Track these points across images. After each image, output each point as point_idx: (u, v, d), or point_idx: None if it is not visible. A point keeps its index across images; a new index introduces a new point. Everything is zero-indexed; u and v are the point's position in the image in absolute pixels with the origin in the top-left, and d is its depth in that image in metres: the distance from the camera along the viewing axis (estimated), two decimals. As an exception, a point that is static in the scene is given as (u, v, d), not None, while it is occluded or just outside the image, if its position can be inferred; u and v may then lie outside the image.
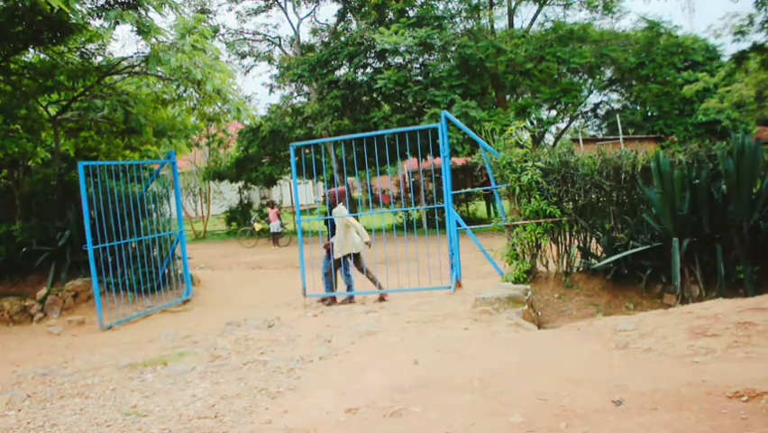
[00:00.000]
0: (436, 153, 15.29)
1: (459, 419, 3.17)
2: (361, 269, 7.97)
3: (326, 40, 21.68)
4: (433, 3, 18.91)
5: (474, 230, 8.74)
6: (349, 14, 21.14)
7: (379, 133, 10.02)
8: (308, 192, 28.89)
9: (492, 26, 18.81)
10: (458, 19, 19.10)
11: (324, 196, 8.18)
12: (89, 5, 7.83)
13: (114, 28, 7.62)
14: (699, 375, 3.32)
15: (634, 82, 21.55)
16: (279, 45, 23.74)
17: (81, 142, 11.22)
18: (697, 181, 6.40)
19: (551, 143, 22.31)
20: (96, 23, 8.30)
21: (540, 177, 7.16)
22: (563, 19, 20.07)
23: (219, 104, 8.96)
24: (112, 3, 7.78)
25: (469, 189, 19.93)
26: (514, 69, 17.88)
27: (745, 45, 14.20)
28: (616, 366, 3.73)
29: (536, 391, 3.41)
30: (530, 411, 3.16)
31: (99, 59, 9.67)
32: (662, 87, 20.79)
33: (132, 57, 9.31)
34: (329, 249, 8.02)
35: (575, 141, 22.35)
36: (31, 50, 9.36)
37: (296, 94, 23.19)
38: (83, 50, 9.41)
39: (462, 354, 4.43)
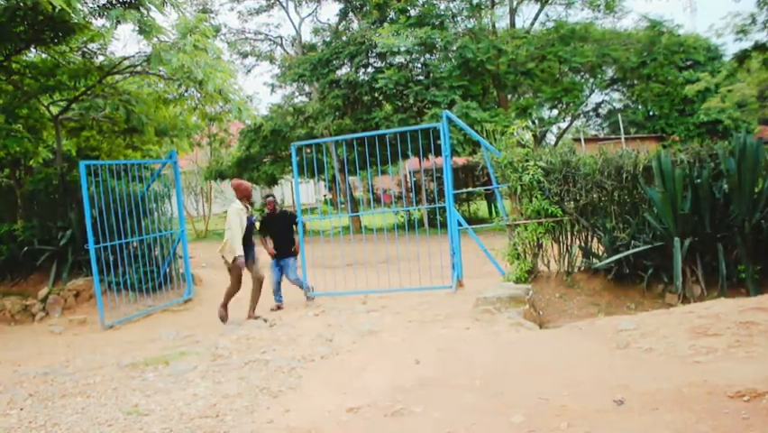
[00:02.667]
0: (437, 153, 15.28)
1: (460, 419, 3.17)
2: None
3: (328, 39, 21.65)
4: (434, 2, 18.89)
5: (476, 229, 8.73)
6: (350, 14, 21.12)
7: (380, 132, 10.00)
8: (310, 192, 28.95)
9: (494, 26, 18.79)
10: (459, 18, 19.09)
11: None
12: (91, 5, 7.85)
13: (115, 27, 7.62)
14: (700, 375, 3.32)
15: (635, 81, 21.54)
16: (281, 45, 23.73)
17: (83, 141, 11.23)
18: (698, 181, 6.39)
19: (552, 143, 22.29)
20: (97, 22, 8.31)
21: (541, 176, 7.14)
22: (565, 18, 20.08)
23: (221, 103, 8.98)
24: (113, 2, 7.79)
25: (470, 189, 19.93)
26: (515, 69, 17.87)
27: (747, 44, 14.22)
28: (617, 366, 3.72)
29: (537, 391, 3.41)
30: (531, 411, 3.16)
31: (101, 58, 9.68)
32: (663, 87, 20.76)
33: (133, 56, 9.30)
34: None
35: (577, 140, 22.30)
36: (32, 50, 9.37)
37: (297, 93, 23.20)
38: (85, 49, 9.41)
39: (464, 353, 4.43)
